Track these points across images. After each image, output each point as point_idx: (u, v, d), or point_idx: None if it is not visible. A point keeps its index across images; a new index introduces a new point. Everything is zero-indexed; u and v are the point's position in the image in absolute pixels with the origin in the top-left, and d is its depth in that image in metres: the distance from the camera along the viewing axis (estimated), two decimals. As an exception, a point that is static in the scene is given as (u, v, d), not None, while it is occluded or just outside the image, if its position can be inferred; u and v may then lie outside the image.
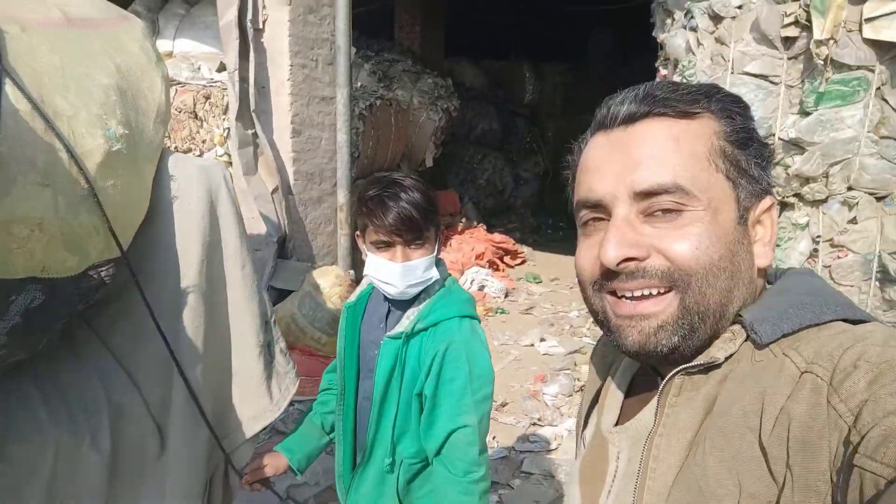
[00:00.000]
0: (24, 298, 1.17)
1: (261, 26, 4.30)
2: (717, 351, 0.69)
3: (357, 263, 5.25)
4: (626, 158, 0.69)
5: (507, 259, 7.73)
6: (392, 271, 1.42)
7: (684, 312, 0.67)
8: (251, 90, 4.29)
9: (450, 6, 8.69)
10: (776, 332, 0.65)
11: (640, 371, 0.85)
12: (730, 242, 0.68)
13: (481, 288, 6.52)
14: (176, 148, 5.64)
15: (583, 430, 0.93)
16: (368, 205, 1.42)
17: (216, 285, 1.57)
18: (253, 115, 4.36)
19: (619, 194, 0.68)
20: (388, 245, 1.43)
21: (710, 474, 0.64)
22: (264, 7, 4.27)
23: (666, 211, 0.67)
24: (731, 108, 0.72)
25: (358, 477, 1.58)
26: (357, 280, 4.97)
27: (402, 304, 1.52)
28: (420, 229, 1.41)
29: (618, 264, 0.67)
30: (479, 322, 1.53)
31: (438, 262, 1.56)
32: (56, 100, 1.26)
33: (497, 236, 7.84)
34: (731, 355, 0.68)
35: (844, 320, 0.66)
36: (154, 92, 1.56)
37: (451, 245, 7.18)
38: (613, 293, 0.71)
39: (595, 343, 0.98)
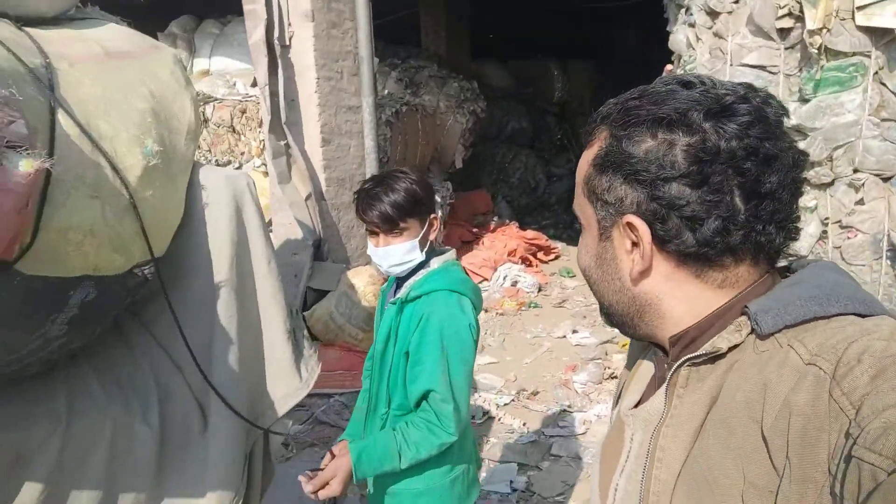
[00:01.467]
0: (80, 293, 1.38)
1: (287, 43, 4.54)
2: (720, 341, 0.70)
3: (390, 264, 5.45)
4: None
5: (540, 255, 7.84)
6: (375, 254, 1.71)
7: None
8: (281, 103, 4.53)
9: (473, 10, 8.85)
10: (777, 323, 0.66)
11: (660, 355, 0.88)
12: (594, 256, 0.81)
13: (514, 283, 6.65)
14: (216, 160, 5.94)
15: (613, 409, 0.99)
16: (357, 200, 1.71)
17: (246, 279, 1.78)
18: (284, 126, 4.60)
19: None
20: (373, 233, 1.71)
21: (714, 465, 0.65)
22: (290, 25, 4.51)
23: None
24: (617, 130, 0.74)
25: (368, 425, 1.83)
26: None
27: (404, 280, 1.76)
28: (396, 223, 1.66)
29: None
30: (470, 301, 1.71)
31: (439, 251, 1.80)
32: (100, 124, 1.47)
33: (530, 233, 7.96)
34: (735, 346, 0.70)
35: (855, 314, 0.65)
36: (185, 113, 1.77)
37: (483, 243, 7.35)
38: None
39: None
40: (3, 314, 1.25)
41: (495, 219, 8.18)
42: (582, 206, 0.81)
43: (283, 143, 4.66)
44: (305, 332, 1.95)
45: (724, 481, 0.64)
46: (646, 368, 0.88)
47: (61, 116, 1.37)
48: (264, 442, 1.91)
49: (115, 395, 1.60)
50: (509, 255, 7.19)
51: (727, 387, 0.68)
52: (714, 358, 0.71)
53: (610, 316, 0.83)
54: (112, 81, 1.59)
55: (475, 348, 1.70)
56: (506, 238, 7.54)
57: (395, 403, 1.73)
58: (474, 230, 7.61)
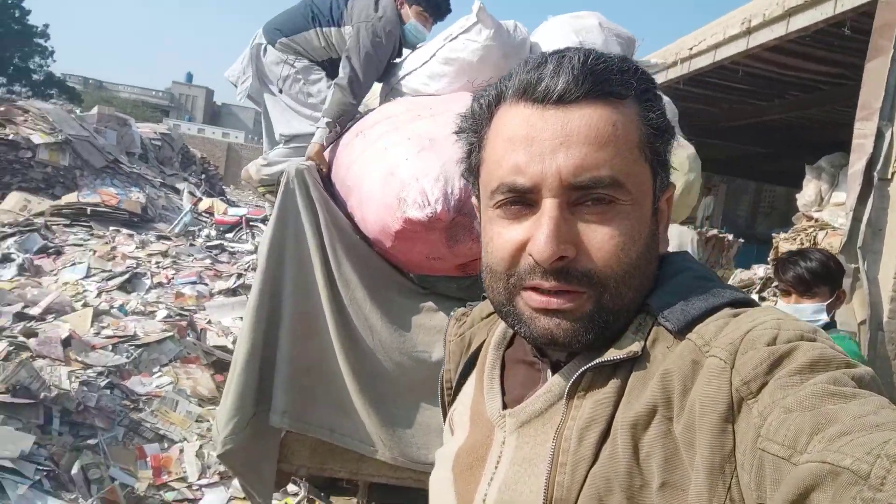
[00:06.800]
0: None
1: (889, 177, 4.76)
2: (631, 343, 0.67)
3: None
4: (563, 145, 0.64)
5: None
6: (785, 309, 2.12)
7: (599, 310, 0.66)
8: (862, 229, 4.77)
9: None
10: (686, 318, 0.65)
11: (511, 351, 0.82)
12: (646, 236, 0.68)
13: None
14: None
15: (447, 415, 0.91)
16: (777, 264, 2.20)
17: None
18: (858, 251, 4.81)
19: (554, 184, 0.64)
20: (786, 293, 2.18)
21: (622, 468, 0.62)
22: (895, 161, 4.71)
23: (597, 201, 0.65)
24: (652, 90, 0.69)
25: None
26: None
27: None
28: (808, 285, 2.08)
29: (551, 263, 0.64)
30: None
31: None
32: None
33: None
34: (643, 346, 0.67)
35: (734, 302, 0.67)
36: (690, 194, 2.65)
37: None
38: (530, 288, 0.68)
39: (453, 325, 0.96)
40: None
41: None
42: (636, 176, 0.67)
43: (853, 266, 4.86)
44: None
45: (636, 482, 0.61)
46: (490, 368, 0.82)
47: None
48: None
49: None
50: None
51: (632, 386, 0.66)
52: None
53: (617, 319, 0.69)
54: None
55: None
56: None
57: None
58: None
